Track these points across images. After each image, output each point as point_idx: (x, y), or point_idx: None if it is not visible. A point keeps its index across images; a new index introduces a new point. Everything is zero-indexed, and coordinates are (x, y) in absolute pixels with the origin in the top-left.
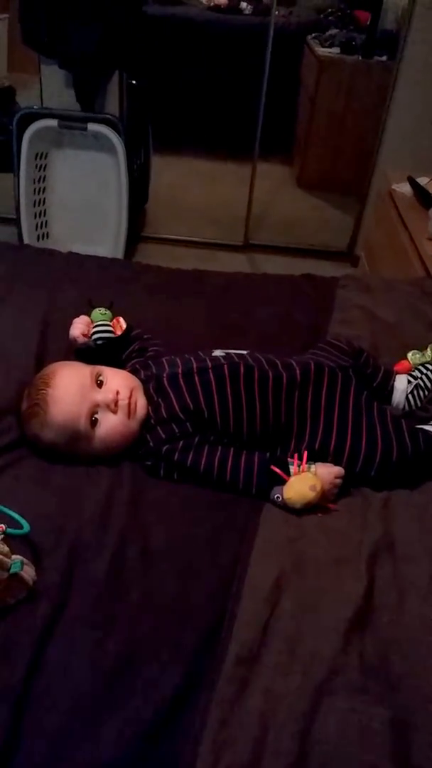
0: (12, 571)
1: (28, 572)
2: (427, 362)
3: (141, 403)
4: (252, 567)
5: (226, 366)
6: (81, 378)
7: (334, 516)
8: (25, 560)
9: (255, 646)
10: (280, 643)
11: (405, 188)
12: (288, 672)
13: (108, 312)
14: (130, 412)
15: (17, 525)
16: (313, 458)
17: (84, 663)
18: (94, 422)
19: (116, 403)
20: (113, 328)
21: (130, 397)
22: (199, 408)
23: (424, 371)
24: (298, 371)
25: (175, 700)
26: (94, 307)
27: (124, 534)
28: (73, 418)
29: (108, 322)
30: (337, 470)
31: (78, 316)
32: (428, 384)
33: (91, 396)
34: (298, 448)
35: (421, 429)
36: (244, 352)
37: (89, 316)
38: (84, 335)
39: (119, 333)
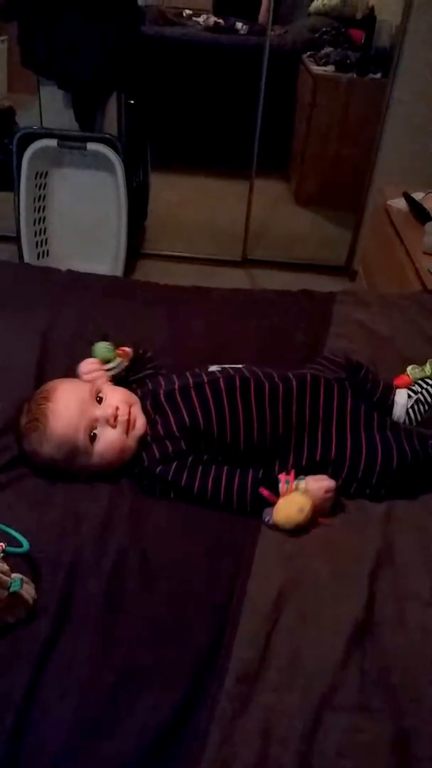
0: (12, 589)
1: (28, 591)
2: (427, 377)
3: (140, 420)
4: (251, 583)
5: (221, 379)
6: (81, 393)
7: (333, 530)
8: (24, 579)
9: (255, 663)
10: (281, 660)
11: (400, 204)
12: (289, 689)
13: (110, 345)
14: (128, 428)
15: (17, 543)
16: (315, 470)
17: (83, 683)
18: (93, 438)
19: (115, 418)
20: (121, 356)
21: (129, 414)
22: (197, 423)
23: (424, 386)
24: (294, 382)
25: (175, 718)
26: (92, 344)
27: (123, 552)
28: (73, 432)
29: (114, 357)
30: (327, 484)
31: (82, 361)
32: (428, 399)
33: (90, 411)
34: (297, 460)
35: (421, 436)
36: (240, 366)
37: (93, 355)
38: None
39: (127, 362)
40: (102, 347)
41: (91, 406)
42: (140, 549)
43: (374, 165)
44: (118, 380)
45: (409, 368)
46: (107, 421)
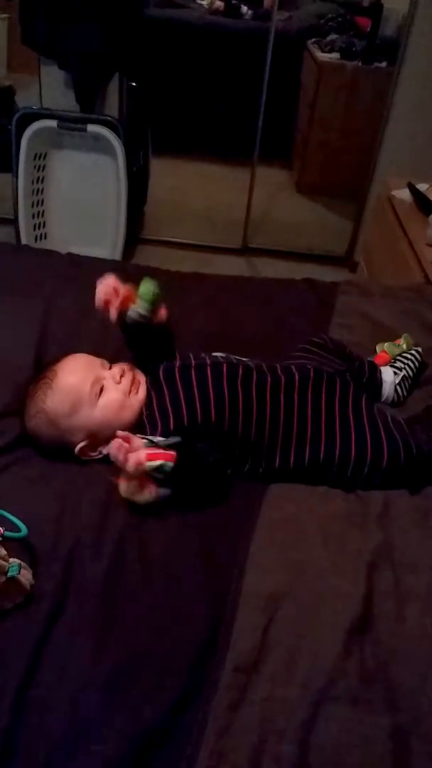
0: (9, 574)
1: (26, 576)
2: (404, 352)
3: (142, 388)
4: (249, 574)
5: (224, 365)
6: (90, 359)
7: (332, 522)
8: (22, 564)
9: (253, 655)
10: (279, 652)
11: (404, 194)
12: (287, 681)
13: (158, 292)
14: (131, 389)
15: (15, 528)
16: (318, 469)
17: (81, 670)
18: (100, 392)
19: (122, 376)
20: (156, 312)
21: (133, 378)
22: (193, 405)
23: (405, 361)
24: (296, 376)
25: (173, 709)
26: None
27: (121, 539)
28: (81, 382)
29: (149, 303)
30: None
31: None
32: (411, 374)
33: (98, 370)
34: (299, 456)
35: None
36: (245, 359)
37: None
38: (112, 304)
39: (149, 315)
40: (151, 285)
41: (99, 367)
42: (138, 536)
43: (378, 155)
44: (130, 327)
45: (385, 345)
46: (113, 378)
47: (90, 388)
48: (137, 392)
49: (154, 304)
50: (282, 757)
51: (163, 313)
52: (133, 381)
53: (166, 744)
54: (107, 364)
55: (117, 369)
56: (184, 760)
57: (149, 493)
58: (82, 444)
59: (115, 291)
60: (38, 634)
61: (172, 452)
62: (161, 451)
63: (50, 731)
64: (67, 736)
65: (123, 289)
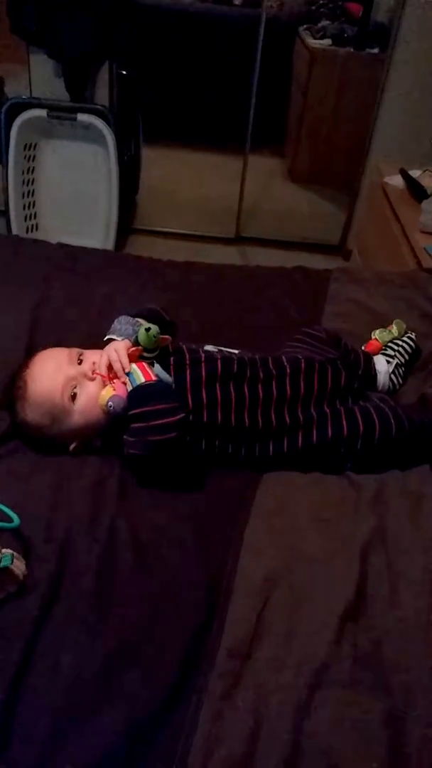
0: (2, 565)
1: (19, 566)
2: (396, 338)
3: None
4: (242, 560)
5: (219, 361)
6: (58, 356)
7: (326, 507)
8: (15, 554)
9: (247, 640)
10: (273, 637)
11: (397, 181)
12: (281, 666)
13: (158, 333)
14: (107, 380)
15: (7, 518)
16: (316, 454)
17: (75, 658)
18: (73, 397)
19: (93, 371)
20: (161, 344)
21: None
22: (185, 399)
23: (396, 348)
24: (288, 369)
25: (167, 695)
26: (143, 326)
27: (113, 528)
28: (49, 392)
29: (155, 349)
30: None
31: (114, 341)
32: (403, 360)
33: (66, 370)
34: (293, 441)
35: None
36: (236, 351)
37: (139, 338)
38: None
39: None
40: (151, 336)
41: (68, 366)
42: (131, 524)
43: (371, 141)
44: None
45: (376, 332)
46: (85, 376)
47: (61, 397)
48: (116, 377)
49: (157, 345)
50: (276, 743)
51: (167, 340)
52: (110, 368)
53: (161, 730)
54: (76, 356)
55: (87, 365)
56: (179, 746)
57: (109, 391)
58: (73, 445)
59: (109, 370)
60: (32, 624)
61: (155, 380)
62: (150, 374)
63: (46, 719)
64: (61, 725)
65: (130, 352)
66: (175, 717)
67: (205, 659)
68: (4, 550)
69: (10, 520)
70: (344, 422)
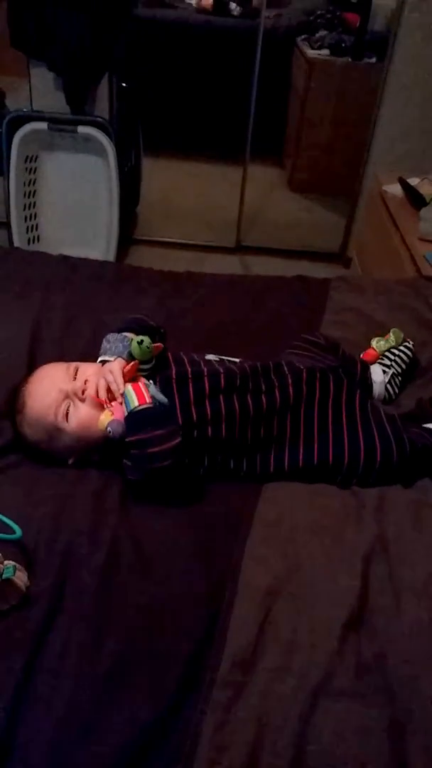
0: (4, 576)
1: (21, 578)
2: (393, 347)
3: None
4: (245, 570)
5: (222, 375)
6: (55, 373)
7: (327, 517)
8: (17, 566)
9: (250, 649)
10: (275, 646)
11: (395, 189)
12: (284, 675)
13: (151, 344)
14: (100, 401)
15: (9, 530)
16: (315, 471)
17: (78, 669)
18: (67, 415)
19: (83, 392)
20: (154, 353)
21: (99, 387)
22: (190, 420)
23: (393, 357)
24: (289, 379)
25: (171, 705)
26: (134, 339)
27: (116, 538)
28: (45, 410)
29: (150, 359)
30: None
31: (101, 361)
32: (400, 369)
33: (61, 387)
34: (293, 459)
35: (421, 427)
36: (237, 360)
37: (132, 351)
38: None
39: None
40: (145, 348)
41: (63, 383)
42: (132, 536)
43: (369, 150)
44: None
45: (373, 341)
46: (75, 395)
47: (54, 416)
48: (112, 399)
49: (152, 356)
50: (280, 751)
51: (159, 348)
52: (108, 390)
53: (164, 740)
54: (73, 372)
55: (79, 382)
56: (183, 755)
57: (107, 416)
58: (71, 460)
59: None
60: (34, 635)
61: (149, 403)
62: (145, 395)
63: (48, 730)
64: (65, 735)
65: (126, 369)
66: (178, 726)
67: (207, 669)
68: (6, 562)
69: (12, 531)
70: (346, 446)
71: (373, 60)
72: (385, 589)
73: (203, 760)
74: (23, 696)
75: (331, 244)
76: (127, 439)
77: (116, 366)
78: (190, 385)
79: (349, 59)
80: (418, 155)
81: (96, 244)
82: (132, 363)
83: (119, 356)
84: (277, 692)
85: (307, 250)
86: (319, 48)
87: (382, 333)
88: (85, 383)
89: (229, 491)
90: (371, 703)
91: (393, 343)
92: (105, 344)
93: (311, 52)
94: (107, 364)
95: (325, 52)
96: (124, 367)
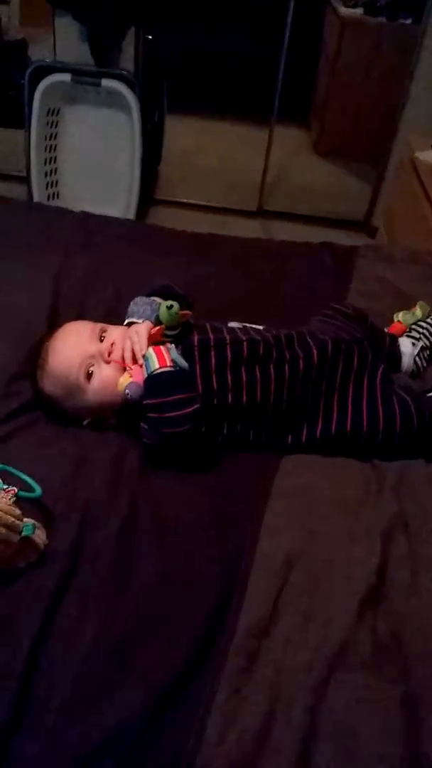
0: (24, 534)
1: (39, 536)
2: (420, 320)
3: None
4: (262, 541)
5: (245, 343)
6: (81, 331)
7: (347, 490)
8: (36, 523)
9: (265, 619)
10: (291, 618)
11: (428, 156)
12: (299, 646)
13: (179, 309)
14: (124, 366)
15: (29, 488)
16: (332, 442)
17: (93, 630)
18: (90, 375)
19: (110, 353)
20: (182, 319)
21: (125, 351)
22: (210, 388)
23: (422, 330)
24: (314, 350)
25: (185, 670)
26: (163, 303)
27: (134, 502)
28: (67, 368)
29: (177, 325)
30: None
31: (131, 323)
32: (429, 343)
33: (85, 347)
34: (311, 431)
35: None
36: (260, 327)
37: (160, 316)
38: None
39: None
40: (174, 314)
41: (89, 342)
42: (151, 500)
43: (401, 115)
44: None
45: (399, 315)
46: (102, 356)
47: (77, 374)
48: (134, 361)
49: (179, 321)
50: (293, 722)
51: (187, 315)
52: (125, 353)
53: (177, 707)
54: (99, 333)
55: (106, 344)
56: (195, 723)
57: (126, 378)
58: (86, 421)
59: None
60: (51, 594)
61: (170, 366)
62: (167, 358)
63: (62, 694)
64: (78, 699)
65: (152, 332)
66: (192, 692)
67: (222, 637)
68: (25, 520)
69: (32, 490)
70: (365, 415)
71: (409, 21)
72: (403, 566)
73: (216, 725)
74: (39, 655)
75: (356, 211)
76: (144, 402)
77: (143, 328)
78: (213, 353)
79: (384, 19)
80: None
81: (116, 202)
82: (158, 327)
83: (146, 319)
84: (292, 663)
85: (331, 217)
86: (353, 6)
87: (410, 305)
88: (111, 346)
89: (248, 461)
90: (386, 677)
91: (420, 317)
92: (132, 306)
93: (344, 10)
94: (134, 326)
95: (359, 10)
96: (150, 330)
